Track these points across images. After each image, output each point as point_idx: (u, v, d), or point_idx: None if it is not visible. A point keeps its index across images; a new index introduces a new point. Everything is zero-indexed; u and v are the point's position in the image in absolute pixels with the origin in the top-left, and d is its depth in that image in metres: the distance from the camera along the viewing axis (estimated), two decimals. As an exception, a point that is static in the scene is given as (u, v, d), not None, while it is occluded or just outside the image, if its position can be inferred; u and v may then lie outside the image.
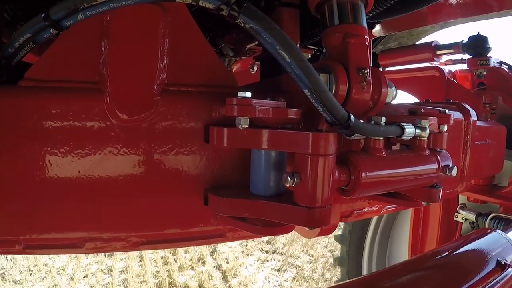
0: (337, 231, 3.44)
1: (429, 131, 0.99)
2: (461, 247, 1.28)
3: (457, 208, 2.38)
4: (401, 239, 3.13)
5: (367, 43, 0.93)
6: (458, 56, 2.44)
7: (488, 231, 1.39)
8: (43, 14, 0.75)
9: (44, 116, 0.76)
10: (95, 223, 0.82)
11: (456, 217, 2.39)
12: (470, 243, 1.30)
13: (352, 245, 3.23)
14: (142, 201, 0.84)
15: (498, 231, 1.38)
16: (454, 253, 1.26)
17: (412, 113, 1.08)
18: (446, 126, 1.08)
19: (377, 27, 2.04)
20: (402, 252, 3.11)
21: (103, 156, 0.80)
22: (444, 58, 2.50)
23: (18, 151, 0.76)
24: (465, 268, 1.18)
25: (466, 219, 2.32)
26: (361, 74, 0.89)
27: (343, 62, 0.90)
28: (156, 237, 0.90)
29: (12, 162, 0.76)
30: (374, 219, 3.15)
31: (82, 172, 0.79)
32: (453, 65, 2.55)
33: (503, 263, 1.16)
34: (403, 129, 0.93)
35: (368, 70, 0.89)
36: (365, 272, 3.21)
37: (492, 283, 1.10)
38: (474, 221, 2.22)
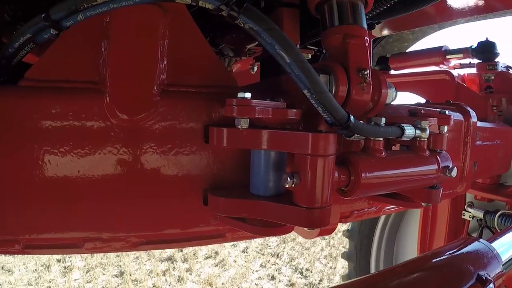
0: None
1: (429, 132, 0.99)
2: (437, 260, 1.12)
3: (465, 206, 2.40)
4: (408, 237, 3.19)
5: (367, 44, 0.93)
6: (466, 60, 2.52)
7: (471, 240, 1.22)
8: (43, 14, 0.75)
9: (44, 116, 0.76)
10: (94, 223, 0.82)
11: (463, 215, 2.42)
12: (447, 255, 1.14)
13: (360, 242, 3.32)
14: (142, 201, 0.84)
15: (482, 240, 1.21)
16: (426, 266, 1.10)
17: (412, 114, 1.08)
18: (446, 127, 1.08)
19: (380, 26, 2.05)
20: (409, 250, 3.17)
21: (102, 156, 0.80)
22: (452, 62, 2.58)
23: (18, 150, 0.76)
24: (439, 285, 1.02)
25: (473, 217, 2.35)
26: (361, 75, 0.89)
27: (343, 63, 0.90)
28: (155, 237, 0.90)
29: (11, 162, 0.76)
30: (382, 217, 3.21)
31: (81, 172, 0.79)
32: (461, 68, 2.61)
33: (484, 278, 1.00)
34: (403, 130, 0.93)
35: (368, 71, 0.89)
36: (373, 269, 3.27)
37: (470, 301, 0.96)
38: (482, 218, 2.25)
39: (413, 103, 1.64)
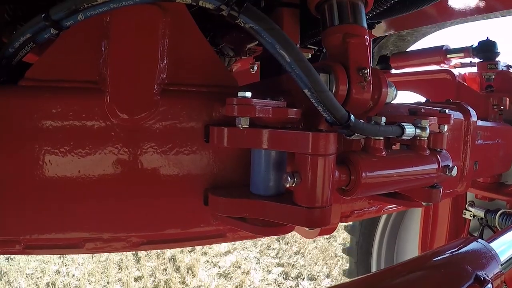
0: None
1: (429, 131, 0.99)
2: (435, 259, 1.11)
3: (466, 205, 2.42)
4: (408, 237, 3.21)
5: (367, 43, 0.93)
6: (467, 60, 2.54)
7: (470, 240, 1.20)
8: (44, 14, 0.75)
9: (44, 116, 0.76)
10: (95, 223, 0.82)
11: (464, 214, 2.44)
12: (446, 255, 1.12)
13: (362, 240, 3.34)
14: (142, 201, 0.84)
15: (480, 240, 1.19)
16: (425, 266, 1.10)
17: (412, 113, 1.07)
18: (446, 126, 1.08)
19: (382, 25, 2.06)
20: (409, 250, 3.19)
21: (103, 156, 0.80)
22: (453, 61, 2.61)
23: (18, 150, 0.76)
24: (437, 285, 1.01)
25: (474, 216, 2.37)
26: (361, 74, 0.89)
27: (343, 62, 0.90)
28: (156, 237, 0.90)
29: (12, 162, 0.76)
30: (383, 217, 3.24)
31: (82, 172, 0.79)
32: (462, 67, 2.63)
33: (482, 278, 0.99)
34: (403, 129, 0.93)
35: (368, 70, 0.89)
36: (374, 267, 3.30)
37: (468, 302, 0.93)
38: (483, 217, 2.28)
39: (413, 102, 1.64)
